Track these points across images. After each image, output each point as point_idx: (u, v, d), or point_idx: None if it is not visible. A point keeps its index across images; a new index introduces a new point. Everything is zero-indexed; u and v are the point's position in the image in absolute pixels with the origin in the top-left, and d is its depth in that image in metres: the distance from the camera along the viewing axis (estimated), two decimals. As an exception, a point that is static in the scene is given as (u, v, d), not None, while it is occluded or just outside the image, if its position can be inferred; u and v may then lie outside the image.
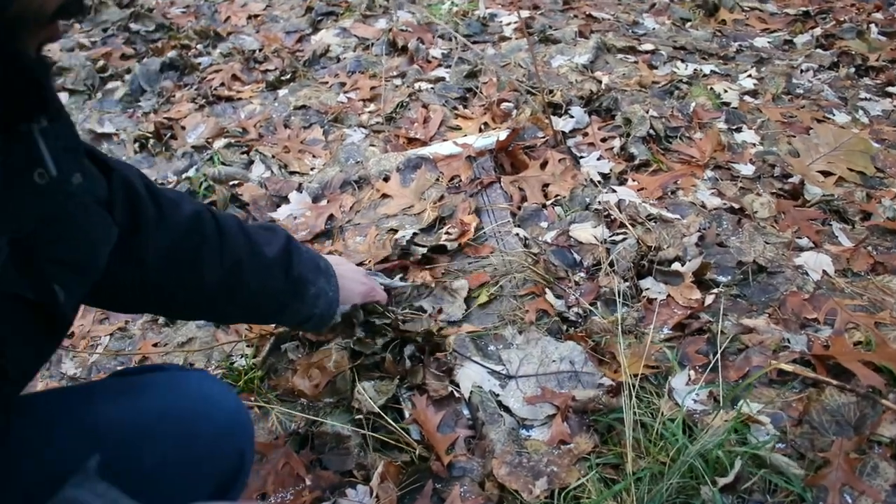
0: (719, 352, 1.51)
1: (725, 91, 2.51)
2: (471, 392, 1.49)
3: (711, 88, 2.53)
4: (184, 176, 2.22)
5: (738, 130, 2.31)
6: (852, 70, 2.73)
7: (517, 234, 1.86)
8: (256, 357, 1.61)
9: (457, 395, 1.50)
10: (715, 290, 1.69)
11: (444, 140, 2.32)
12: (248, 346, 1.67)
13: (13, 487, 0.85)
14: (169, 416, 0.98)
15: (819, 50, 2.89)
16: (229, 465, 1.03)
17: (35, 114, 0.71)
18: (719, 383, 1.47)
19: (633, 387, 1.40)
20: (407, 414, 1.48)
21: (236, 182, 2.18)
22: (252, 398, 1.53)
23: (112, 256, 0.93)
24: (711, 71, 2.67)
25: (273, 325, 1.67)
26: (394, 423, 1.44)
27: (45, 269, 0.79)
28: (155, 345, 1.77)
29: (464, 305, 1.68)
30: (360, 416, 1.47)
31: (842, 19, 3.09)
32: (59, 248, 0.81)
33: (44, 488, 0.73)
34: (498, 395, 1.48)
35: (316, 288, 1.33)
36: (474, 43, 2.91)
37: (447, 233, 1.85)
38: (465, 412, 1.49)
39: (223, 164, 2.27)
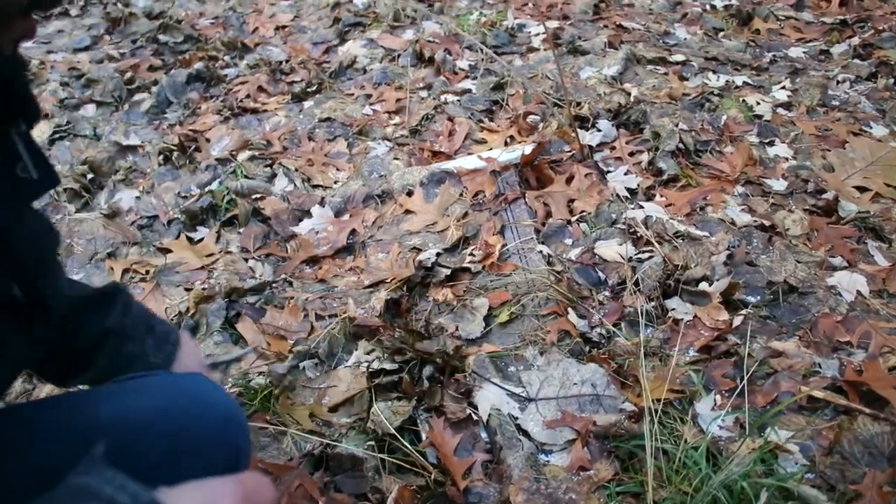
0: (746, 377, 1.46)
1: (758, 103, 2.45)
2: (489, 415, 1.45)
3: (743, 100, 2.47)
4: (207, 189, 2.22)
5: (771, 144, 2.25)
6: (891, 81, 2.65)
7: (541, 252, 1.83)
8: (273, 376, 1.59)
9: (475, 417, 1.47)
10: (743, 312, 1.64)
11: (469, 154, 2.29)
12: (266, 364, 1.65)
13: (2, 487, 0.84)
14: (164, 414, 0.96)
15: (856, 60, 2.81)
16: (226, 461, 1.01)
17: (13, 116, 0.69)
18: (746, 409, 1.42)
19: (656, 412, 1.35)
20: (424, 436, 1.46)
21: (259, 196, 2.17)
22: (268, 417, 1.52)
23: None
24: (744, 82, 2.61)
25: (291, 343, 1.67)
26: (410, 447, 1.42)
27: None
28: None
29: (482, 323, 1.66)
30: (376, 439, 1.45)
31: (881, 28, 3.00)
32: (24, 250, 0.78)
33: (35, 488, 0.71)
34: (517, 419, 1.45)
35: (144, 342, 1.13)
36: (501, 54, 2.88)
37: (471, 254, 1.83)
38: (483, 435, 1.46)
39: (246, 177, 2.26)
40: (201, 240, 2.08)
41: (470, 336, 1.63)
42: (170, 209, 2.20)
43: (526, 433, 1.42)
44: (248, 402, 1.57)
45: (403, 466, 1.41)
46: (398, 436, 1.43)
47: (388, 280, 1.82)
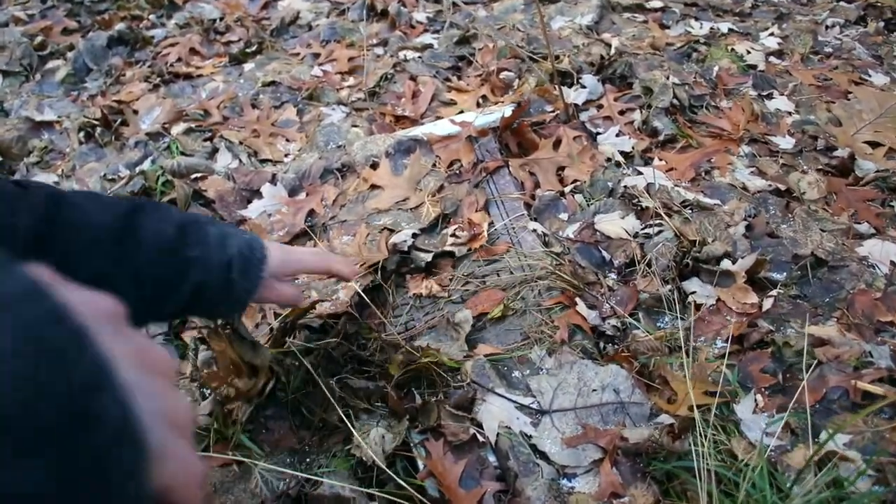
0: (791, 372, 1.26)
1: (748, 52, 2.24)
2: (497, 434, 1.22)
3: (733, 49, 2.25)
4: (137, 170, 1.90)
5: (770, 97, 2.04)
6: (882, 24, 2.47)
7: (534, 231, 1.59)
8: (231, 402, 1.32)
9: (480, 438, 1.23)
10: (773, 293, 1.43)
11: (439, 117, 2.02)
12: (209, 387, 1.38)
13: None
14: None
15: (842, 3, 2.62)
16: None
17: None
18: (792, 409, 1.22)
19: (705, 424, 1.14)
20: (420, 464, 1.22)
21: (199, 175, 1.86)
22: (228, 452, 1.25)
23: None
24: (729, 29, 2.39)
25: (253, 358, 1.39)
26: (403, 480, 1.17)
27: None
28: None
29: (465, 346, 1.38)
30: (363, 469, 1.21)
31: (863, -33, 2.81)
32: None
33: None
34: (531, 437, 1.22)
35: (216, 227, 1.00)
36: (464, 3, 2.60)
37: (454, 235, 1.57)
38: (492, 459, 1.22)
39: (183, 153, 1.95)
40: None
41: (456, 358, 1.37)
42: None
43: (543, 455, 1.19)
44: (201, 430, 1.31)
45: (398, 503, 1.17)
46: (386, 469, 1.18)
47: (358, 263, 1.56)
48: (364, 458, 1.20)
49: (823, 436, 1.18)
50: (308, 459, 1.25)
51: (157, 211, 0.96)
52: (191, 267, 0.95)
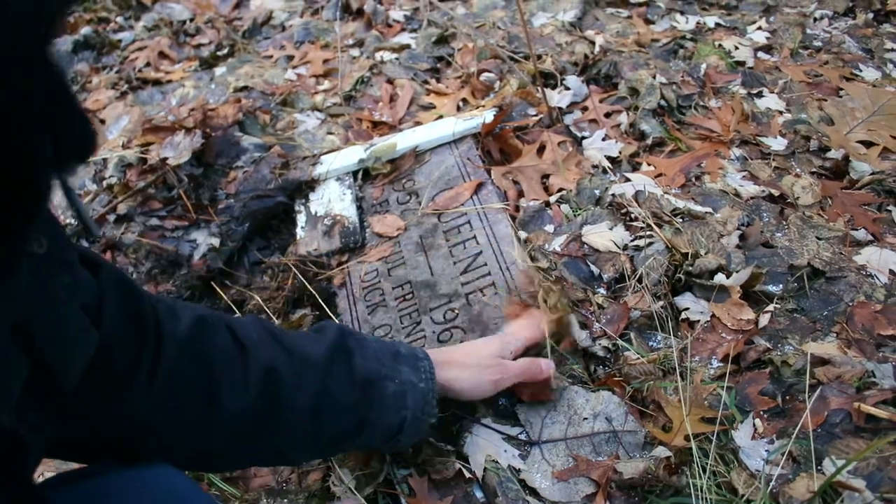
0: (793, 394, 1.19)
1: (737, 47, 2.17)
2: (484, 469, 1.15)
3: (720, 45, 2.18)
4: (105, 184, 1.81)
5: (760, 95, 1.98)
6: (870, 16, 2.41)
7: (520, 244, 1.52)
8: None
9: (466, 473, 1.16)
10: (770, 308, 1.37)
11: (417, 123, 1.95)
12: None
13: None
14: None
15: (830, -7, 2.55)
16: None
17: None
18: (794, 435, 1.15)
19: (703, 455, 1.08)
20: (404, 502, 1.15)
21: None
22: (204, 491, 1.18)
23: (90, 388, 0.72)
24: (716, 24, 2.32)
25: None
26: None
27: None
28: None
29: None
30: (343, 511, 1.14)
31: (849, -44, 2.75)
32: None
33: None
34: (519, 471, 1.15)
35: (397, 383, 1.03)
36: (441, 1, 2.51)
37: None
38: (479, 495, 1.16)
39: (152, 166, 1.86)
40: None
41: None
42: (60, 211, 1.79)
43: (533, 491, 1.13)
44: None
45: (382, 548, 1.11)
46: (371, 507, 1.12)
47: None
48: (343, 498, 1.14)
49: (826, 463, 1.13)
50: (286, 500, 1.18)
51: (357, 353, 1.01)
52: (365, 426, 1.00)
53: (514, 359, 1.20)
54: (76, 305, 0.71)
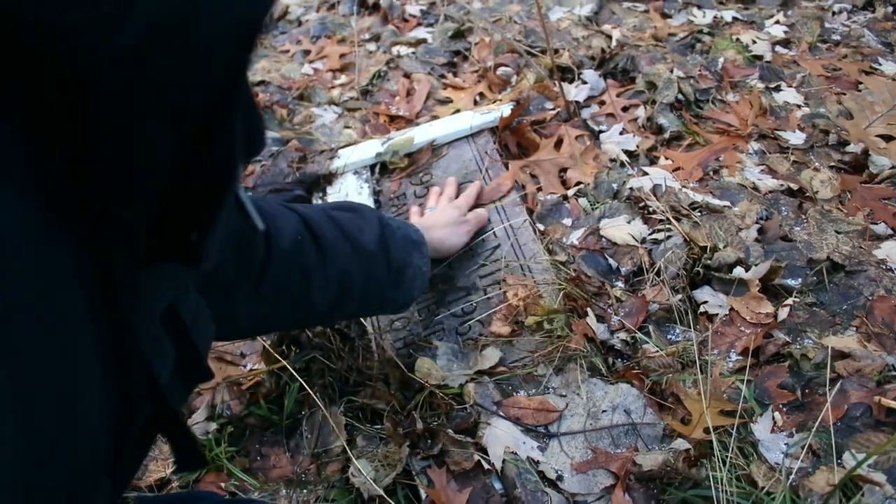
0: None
1: (754, 42, 2.16)
2: (503, 461, 1.16)
3: (738, 39, 2.17)
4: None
5: (777, 90, 1.97)
6: (890, 10, 2.39)
7: (538, 237, 1.52)
8: (225, 428, 1.26)
9: (485, 464, 1.17)
10: (789, 302, 1.36)
11: (434, 117, 1.95)
12: (215, 414, 1.32)
13: None
14: None
15: (849, -13, 2.53)
16: None
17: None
18: (814, 428, 1.15)
19: (722, 448, 1.08)
20: (423, 493, 1.15)
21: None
22: (223, 483, 1.19)
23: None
24: (733, 18, 2.31)
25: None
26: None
27: None
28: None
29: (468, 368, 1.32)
30: (363, 501, 1.15)
31: (868, -51, 2.72)
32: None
33: None
34: (538, 463, 1.16)
35: (413, 268, 1.25)
36: (457, -5, 2.51)
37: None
38: (498, 486, 1.16)
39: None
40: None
41: (458, 380, 1.30)
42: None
43: (552, 483, 1.13)
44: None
45: (401, 537, 1.11)
46: (386, 497, 1.12)
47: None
48: (363, 490, 1.14)
49: (846, 456, 1.13)
50: (305, 490, 1.19)
51: (392, 243, 1.20)
52: (386, 303, 1.25)
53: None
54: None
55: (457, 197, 1.60)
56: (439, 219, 1.49)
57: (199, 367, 0.68)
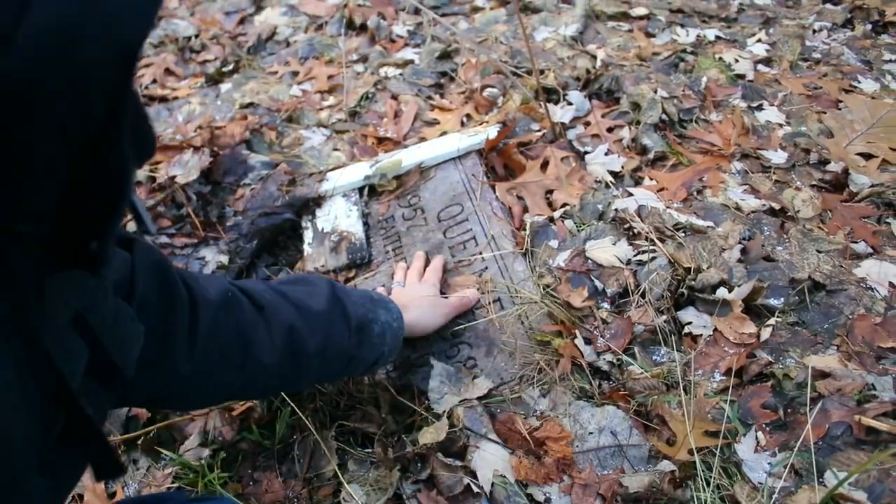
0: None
1: (737, 60, 2.20)
2: (492, 484, 1.18)
3: (720, 58, 2.21)
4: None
5: (760, 108, 2.00)
6: (869, 27, 2.43)
7: (524, 260, 1.54)
8: (218, 454, 1.28)
9: (475, 488, 1.19)
10: (771, 322, 1.39)
11: (422, 139, 1.97)
12: (207, 440, 1.33)
13: None
14: None
15: (828, 5, 2.58)
16: None
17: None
18: (796, 447, 1.18)
19: (706, 468, 1.10)
20: (413, 517, 1.17)
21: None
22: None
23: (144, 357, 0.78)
24: (716, 36, 2.35)
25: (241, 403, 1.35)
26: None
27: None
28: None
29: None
30: (355, 526, 1.16)
31: (847, -33, 2.77)
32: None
33: None
34: (527, 486, 1.18)
35: (379, 324, 1.22)
36: (443, 16, 2.54)
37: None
38: (487, 510, 1.18)
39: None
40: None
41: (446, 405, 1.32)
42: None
43: (540, 505, 1.15)
44: (188, 485, 1.26)
45: (393, 562, 1.13)
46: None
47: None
48: (354, 514, 1.16)
49: (828, 475, 1.15)
50: (297, 515, 1.20)
51: (347, 301, 1.17)
52: (353, 362, 1.19)
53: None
54: (120, 299, 0.75)
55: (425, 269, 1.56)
56: (413, 297, 1.42)
57: (114, 371, 0.69)
